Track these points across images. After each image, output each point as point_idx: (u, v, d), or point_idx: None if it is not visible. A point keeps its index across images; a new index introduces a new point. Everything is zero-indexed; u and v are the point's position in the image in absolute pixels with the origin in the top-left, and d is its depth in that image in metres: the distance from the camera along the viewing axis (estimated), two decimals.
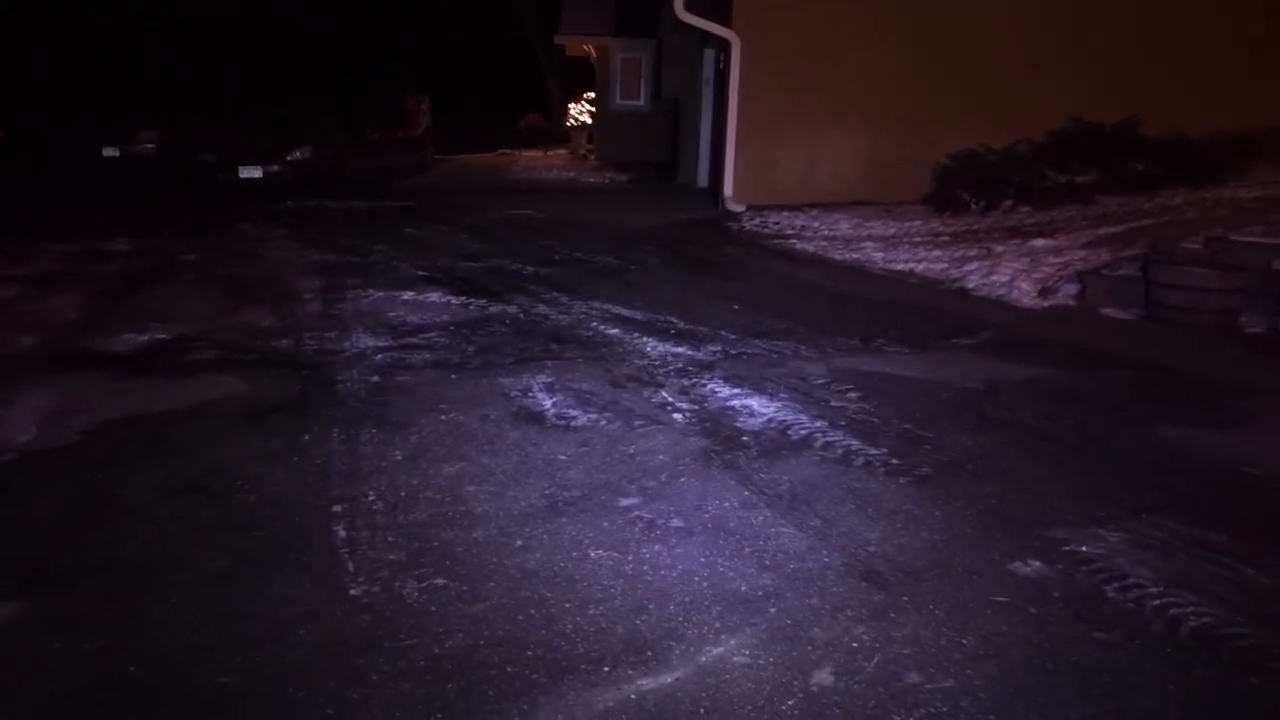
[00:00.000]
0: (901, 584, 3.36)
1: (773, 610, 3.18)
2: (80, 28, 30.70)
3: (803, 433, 4.84)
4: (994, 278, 8.65)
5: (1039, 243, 9.50)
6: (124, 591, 3.30)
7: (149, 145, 22.34)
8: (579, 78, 30.05)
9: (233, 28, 32.66)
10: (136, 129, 22.55)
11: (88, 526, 3.81)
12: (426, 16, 37.74)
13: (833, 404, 5.32)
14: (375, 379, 5.74)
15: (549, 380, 5.70)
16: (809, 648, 2.98)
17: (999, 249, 9.55)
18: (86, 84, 29.89)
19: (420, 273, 9.16)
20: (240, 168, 16.11)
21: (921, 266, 9.40)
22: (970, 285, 8.65)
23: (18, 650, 2.97)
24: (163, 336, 6.80)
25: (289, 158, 16.21)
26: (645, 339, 6.68)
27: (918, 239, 10.71)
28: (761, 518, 3.87)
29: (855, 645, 2.99)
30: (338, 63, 27.96)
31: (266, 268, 9.55)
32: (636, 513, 3.92)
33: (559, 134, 30.46)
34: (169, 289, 8.62)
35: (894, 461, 4.47)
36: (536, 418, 5.05)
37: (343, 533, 3.72)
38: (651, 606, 3.19)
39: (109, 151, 22.18)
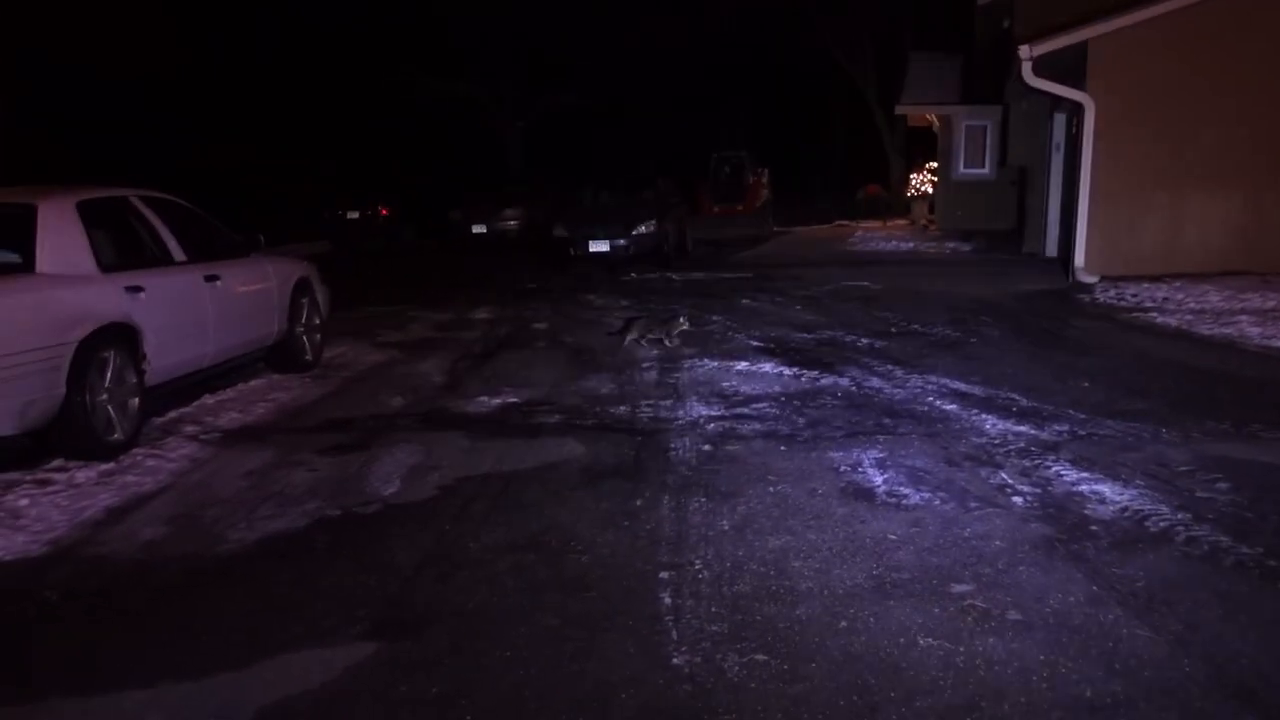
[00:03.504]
0: None
1: None
2: (447, 109, 34.05)
3: (1162, 525, 4.40)
4: None
5: None
6: (466, 641, 3.50)
7: (511, 222, 24.23)
8: (919, 147, 29.63)
9: (587, 118, 35.05)
10: (500, 207, 24.53)
11: (438, 576, 4.09)
12: (767, 93, 38.68)
13: (1199, 494, 4.80)
14: (706, 447, 5.83)
15: (880, 456, 5.55)
16: None
17: None
18: (457, 163, 33.01)
19: (754, 343, 9.26)
20: (590, 242, 17.06)
21: None
22: None
23: (368, 689, 3.21)
24: (514, 400, 7.27)
25: (634, 233, 16.97)
26: (985, 416, 6.37)
27: None
28: (1112, 617, 3.53)
29: None
30: (681, 143, 29.22)
31: (609, 336, 10.01)
32: (970, 601, 3.69)
33: (898, 204, 30.06)
34: (521, 355, 9.24)
35: (1272, 563, 3.95)
36: (866, 494, 4.92)
37: (668, 600, 3.77)
38: (984, 704, 2.98)
39: (477, 228, 24.25)
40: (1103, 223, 12.42)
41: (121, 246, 6.61)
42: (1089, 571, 3.93)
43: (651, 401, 7.05)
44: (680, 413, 6.69)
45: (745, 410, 6.72)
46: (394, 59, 30.90)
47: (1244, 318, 9.56)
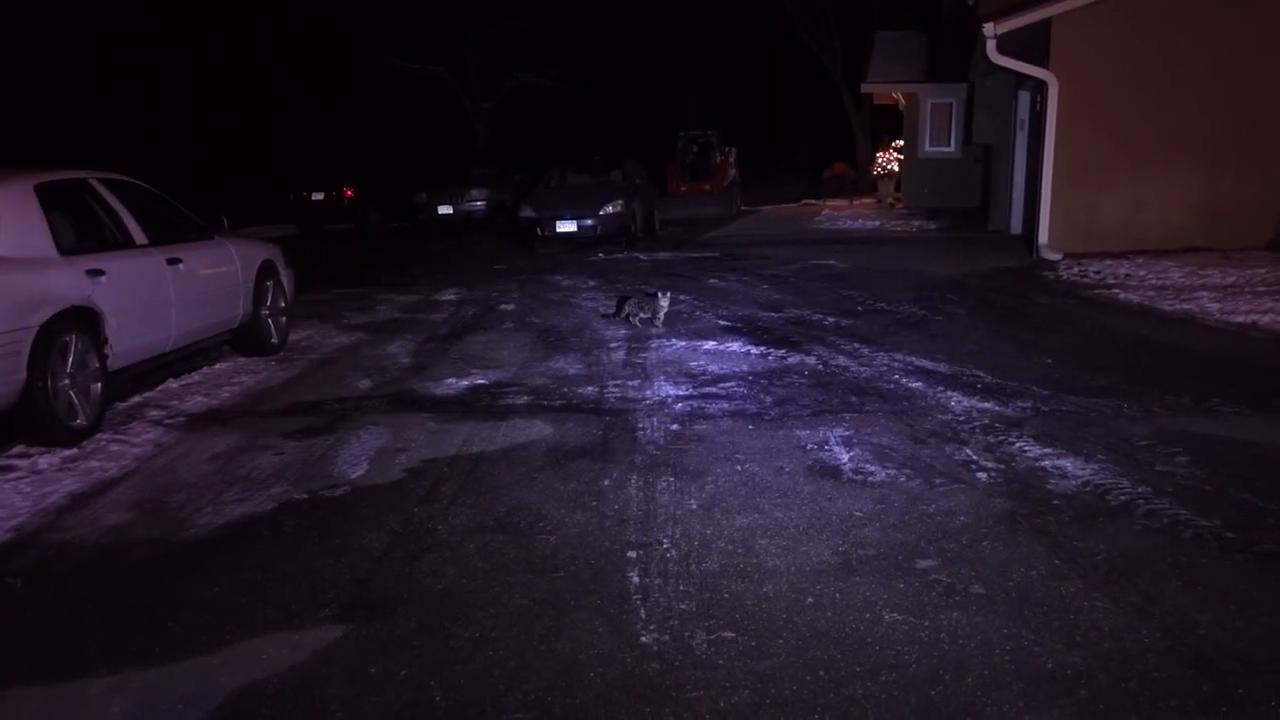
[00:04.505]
0: (1237, 674, 3.00)
1: (1083, 692, 2.93)
2: (414, 90, 33.85)
3: (1123, 499, 4.46)
4: None
5: None
6: (435, 622, 3.51)
7: (478, 203, 24.06)
8: (886, 125, 29.75)
9: (554, 98, 34.89)
10: (467, 188, 24.33)
11: (406, 559, 4.09)
12: (734, 72, 38.64)
13: (1158, 468, 4.88)
14: (674, 427, 5.84)
15: (846, 434, 5.59)
16: None
17: None
18: (424, 145, 32.77)
19: (722, 322, 9.29)
20: (557, 222, 17.01)
21: (1267, 319, 8.49)
22: None
23: (337, 671, 3.21)
24: (481, 382, 7.26)
25: (601, 213, 16.94)
26: (950, 393, 6.43)
27: (1262, 288, 9.72)
28: (1073, 589, 3.59)
29: None
30: (648, 123, 29.14)
31: (577, 316, 10.01)
32: (935, 576, 3.74)
33: (865, 182, 30.20)
34: (488, 336, 9.21)
35: (1229, 535, 4.03)
36: (832, 472, 4.95)
37: (636, 579, 3.79)
38: (948, 677, 3.03)
39: (443, 210, 24.04)
40: (1066, 200, 12.54)
41: (82, 229, 6.53)
42: (1051, 545, 3.99)
43: (619, 382, 7.06)
44: (648, 393, 6.71)
45: (713, 389, 6.74)
46: (359, 38, 30.58)
47: (1204, 294, 9.68)
